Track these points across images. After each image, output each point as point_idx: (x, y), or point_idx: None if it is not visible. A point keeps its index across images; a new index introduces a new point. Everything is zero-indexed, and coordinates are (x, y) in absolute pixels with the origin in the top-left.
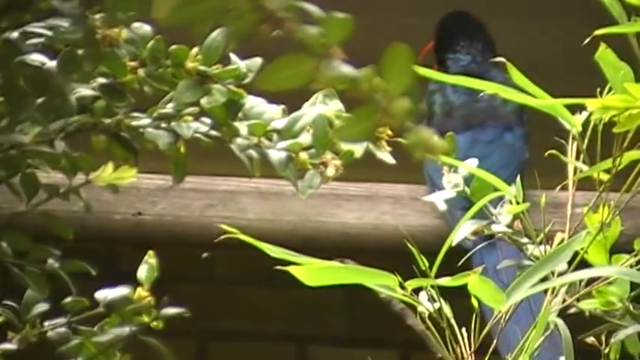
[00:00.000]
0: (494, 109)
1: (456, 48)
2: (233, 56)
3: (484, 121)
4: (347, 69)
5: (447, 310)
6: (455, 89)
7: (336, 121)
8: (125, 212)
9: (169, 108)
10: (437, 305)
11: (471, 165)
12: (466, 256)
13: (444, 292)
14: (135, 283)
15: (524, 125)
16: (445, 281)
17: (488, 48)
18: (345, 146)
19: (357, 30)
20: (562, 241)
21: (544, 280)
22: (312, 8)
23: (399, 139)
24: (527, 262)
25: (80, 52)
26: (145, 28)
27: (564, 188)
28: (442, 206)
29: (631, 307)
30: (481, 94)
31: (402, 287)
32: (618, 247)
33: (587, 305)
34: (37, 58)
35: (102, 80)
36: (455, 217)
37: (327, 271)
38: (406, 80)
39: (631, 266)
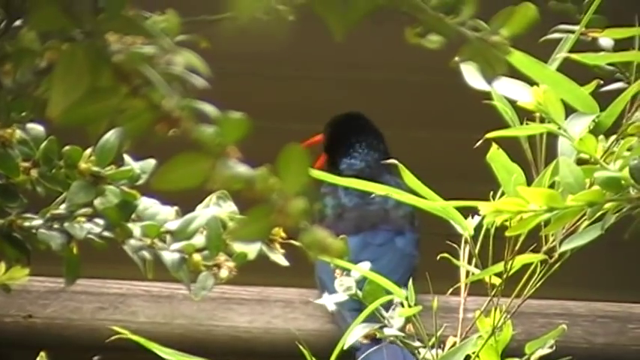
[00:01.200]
0: (386, 213)
1: (352, 153)
2: (127, 157)
3: (376, 225)
4: (242, 169)
5: None
6: (347, 192)
7: (229, 222)
8: (15, 315)
9: (62, 209)
10: None
11: (363, 268)
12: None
13: None
14: None
15: (415, 231)
16: None
17: (382, 153)
18: (238, 248)
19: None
20: (454, 344)
21: None
22: (208, 108)
23: (292, 241)
24: None
25: None
26: (39, 129)
27: (456, 292)
28: (332, 306)
29: None
30: (372, 195)
31: None
32: (509, 352)
33: None
34: None
35: None
36: (344, 318)
37: None
38: (302, 180)
39: None
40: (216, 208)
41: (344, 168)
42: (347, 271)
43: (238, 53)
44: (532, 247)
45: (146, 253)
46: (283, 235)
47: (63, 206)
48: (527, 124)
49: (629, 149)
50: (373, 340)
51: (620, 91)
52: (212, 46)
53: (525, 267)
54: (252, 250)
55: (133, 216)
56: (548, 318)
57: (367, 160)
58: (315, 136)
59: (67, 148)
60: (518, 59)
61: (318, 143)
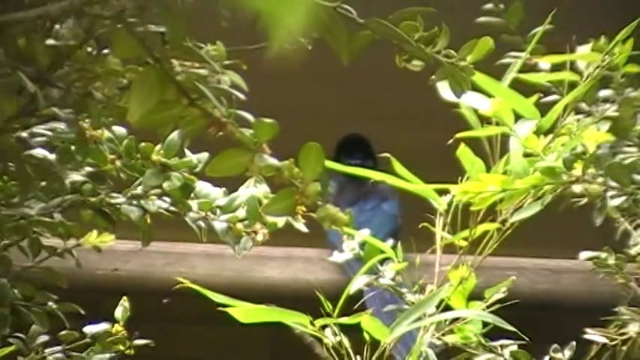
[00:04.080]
0: (374, 187)
1: (351, 156)
2: (187, 151)
3: (367, 195)
4: (273, 161)
5: (346, 342)
6: (346, 177)
7: (264, 200)
8: (105, 268)
9: (139, 190)
10: (338, 338)
11: (364, 234)
12: (359, 303)
13: (344, 328)
14: (113, 321)
15: (396, 198)
16: (344, 320)
17: (372, 156)
18: (270, 219)
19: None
20: (431, 291)
21: (418, 319)
22: (246, 115)
23: (311, 214)
24: (405, 307)
25: (73, 147)
26: (121, 130)
27: (433, 252)
28: (340, 261)
29: (482, 341)
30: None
31: (312, 324)
32: (473, 296)
33: (451, 339)
34: (40, 152)
35: (89, 169)
36: (352, 267)
37: (256, 311)
38: (318, 170)
39: (482, 310)
40: (254, 189)
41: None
42: (352, 236)
43: (269, 74)
44: (490, 218)
45: (201, 223)
46: (304, 209)
47: (139, 188)
48: (486, 127)
49: (562, 145)
50: (368, 287)
51: (555, 102)
52: (250, 68)
53: (485, 233)
54: (280, 220)
55: (192, 195)
56: (502, 271)
57: (362, 159)
58: None
59: (142, 144)
60: (480, 78)
61: None
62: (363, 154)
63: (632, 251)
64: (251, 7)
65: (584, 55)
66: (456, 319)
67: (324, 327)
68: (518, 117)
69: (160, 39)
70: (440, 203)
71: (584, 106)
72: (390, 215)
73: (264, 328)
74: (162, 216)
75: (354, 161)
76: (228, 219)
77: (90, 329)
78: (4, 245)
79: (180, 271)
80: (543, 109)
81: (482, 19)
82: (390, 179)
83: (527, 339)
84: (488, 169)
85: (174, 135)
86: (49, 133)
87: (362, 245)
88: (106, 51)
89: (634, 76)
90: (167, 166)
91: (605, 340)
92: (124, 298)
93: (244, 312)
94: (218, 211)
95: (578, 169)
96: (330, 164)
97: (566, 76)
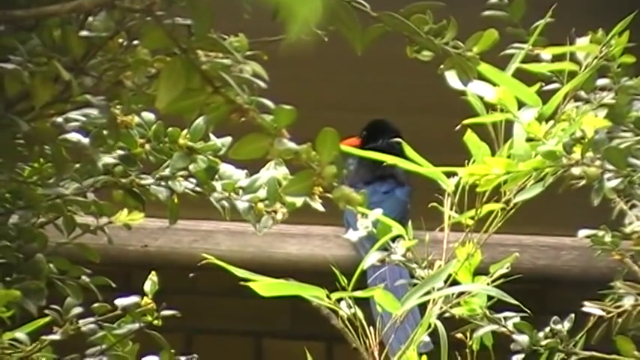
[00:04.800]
0: (391, 171)
1: (375, 139)
2: (212, 135)
3: (384, 178)
4: (292, 145)
5: (360, 314)
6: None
7: (283, 181)
8: (136, 244)
9: (167, 171)
10: (352, 311)
11: (377, 213)
12: (373, 277)
13: (358, 301)
14: (142, 294)
15: (409, 184)
16: (358, 293)
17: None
18: (289, 199)
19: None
20: (440, 266)
21: (428, 293)
22: (267, 102)
23: (327, 194)
24: (415, 281)
25: (105, 132)
26: (150, 116)
27: (442, 230)
28: (354, 238)
29: (487, 313)
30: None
31: (328, 298)
32: (479, 271)
33: (457, 311)
34: (75, 136)
35: (120, 152)
36: (364, 247)
37: (276, 285)
38: (333, 153)
39: (487, 284)
40: (274, 171)
41: (368, 146)
42: (366, 215)
43: (289, 64)
44: (494, 198)
45: (225, 202)
46: (321, 190)
47: (167, 170)
48: (491, 113)
49: (562, 130)
50: (380, 262)
51: (556, 90)
52: (270, 58)
53: (490, 212)
54: (299, 200)
55: (216, 176)
56: (505, 247)
57: (384, 141)
58: (352, 138)
59: (170, 129)
60: (485, 68)
61: (354, 144)
62: (390, 137)
63: (628, 229)
64: (270, 0)
65: (583, 46)
66: (462, 293)
67: (339, 300)
68: (521, 104)
69: (187, 31)
70: (448, 185)
71: (582, 94)
72: (400, 201)
73: (285, 300)
74: (189, 196)
75: (376, 144)
76: (250, 199)
77: (121, 302)
78: (41, 223)
79: (206, 247)
80: (545, 97)
81: (487, 12)
82: (401, 162)
83: (529, 311)
84: (493, 153)
85: (200, 120)
86: (83, 118)
87: (375, 223)
88: (135, 42)
89: (629, 66)
90: (193, 149)
91: (602, 313)
92: (153, 272)
93: (265, 286)
94: (241, 191)
95: (577, 153)
96: (345, 148)
97: (566, 66)
